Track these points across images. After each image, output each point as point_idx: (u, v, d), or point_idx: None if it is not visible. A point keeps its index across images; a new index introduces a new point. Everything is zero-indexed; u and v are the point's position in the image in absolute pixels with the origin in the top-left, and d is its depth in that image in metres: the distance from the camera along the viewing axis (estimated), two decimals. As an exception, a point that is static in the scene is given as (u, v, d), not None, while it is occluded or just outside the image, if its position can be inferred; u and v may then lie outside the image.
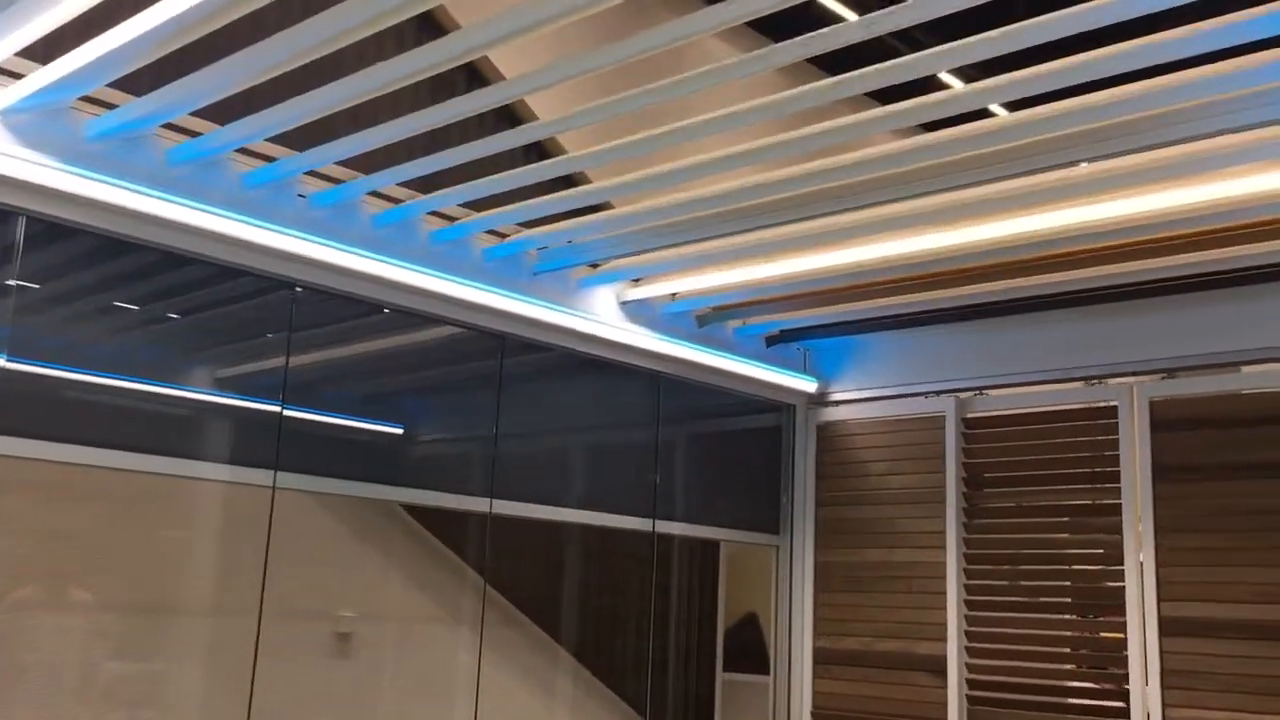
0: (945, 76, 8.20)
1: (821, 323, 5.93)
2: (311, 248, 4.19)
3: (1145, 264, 4.72)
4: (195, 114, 3.77)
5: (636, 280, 5.38)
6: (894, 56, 3.21)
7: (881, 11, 2.89)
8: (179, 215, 3.87)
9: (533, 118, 5.18)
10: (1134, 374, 5.22)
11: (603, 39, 3.20)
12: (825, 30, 3.03)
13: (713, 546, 6.53)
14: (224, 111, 3.83)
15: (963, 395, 5.75)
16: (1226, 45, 3.00)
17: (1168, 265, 4.72)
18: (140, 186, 3.76)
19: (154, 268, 4.06)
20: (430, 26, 5.91)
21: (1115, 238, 4.49)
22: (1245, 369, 4.95)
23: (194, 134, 3.88)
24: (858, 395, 6.16)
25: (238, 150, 4.01)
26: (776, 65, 3.24)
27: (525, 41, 3.10)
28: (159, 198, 3.81)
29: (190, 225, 3.91)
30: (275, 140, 4.00)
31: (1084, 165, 3.98)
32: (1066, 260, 4.82)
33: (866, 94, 3.46)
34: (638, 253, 4.97)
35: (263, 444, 4.24)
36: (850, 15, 8.78)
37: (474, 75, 6.22)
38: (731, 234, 4.67)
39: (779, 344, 6.18)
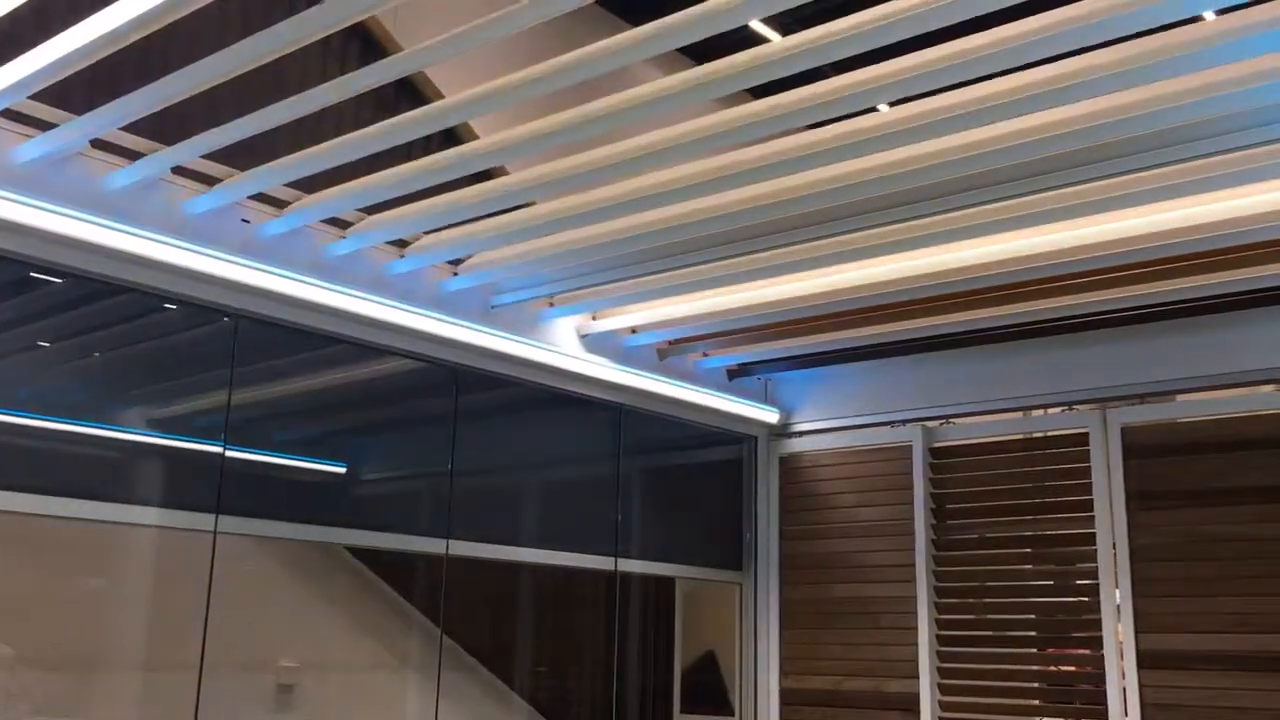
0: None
1: (784, 355, 5.76)
2: (255, 275, 3.94)
3: (1115, 292, 4.61)
4: (127, 131, 3.53)
5: (594, 315, 5.20)
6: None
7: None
8: (110, 240, 3.60)
9: (472, 137, 4.99)
10: (1105, 400, 5.11)
11: (540, 49, 3.05)
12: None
13: (669, 583, 6.32)
14: (160, 133, 3.61)
15: (930, 424, 5.61)
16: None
17: (1139, 293, 4.60)
18: (67, 209, 3.49)
19: (82, 299, 3.78)
20: (371, 47, 5.71)
21: (1084, 265, 4.38)
22: (1220, 393, 4.86)
23: (129, 153, 3.63)
24: (821, 425, 6.00)
25: (176, 173, 3.77)
26: (723, 93, 3.09)
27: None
28: (89, 221, 3.53)
29: (122, 250, 3.64)
30: (216, 159, 3.76)
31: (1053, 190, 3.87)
32: (1033, 290, 4.71)
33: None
34: (595, 285, 4.80)
35: (203, 486, 3.96)
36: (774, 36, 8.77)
37: (415, 95, 6.00)
38: (688, 265, 4.53)
39: (741, 377, 6.01)
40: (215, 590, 3.90)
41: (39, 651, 3.66)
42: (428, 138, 3.57)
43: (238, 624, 4.02)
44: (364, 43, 5.89)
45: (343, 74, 3.09)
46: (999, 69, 2.97)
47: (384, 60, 3.02)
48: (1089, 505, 5.07)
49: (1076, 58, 2.99)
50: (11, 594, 3.57)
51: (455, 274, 4.64)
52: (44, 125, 3.45)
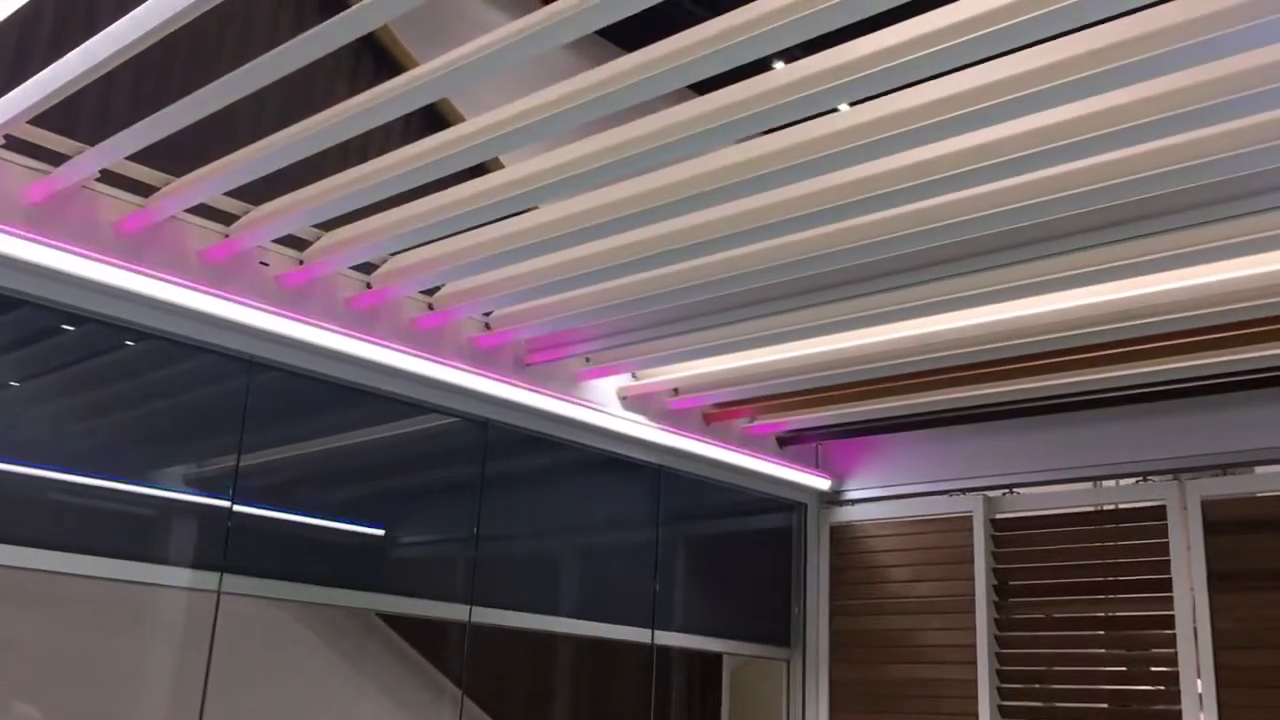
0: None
1: (836, 423, 5.43)
2: (273, 320, 3.73)
3: (1193, 359, 4.26)
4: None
5: (635, 374, 4.94)
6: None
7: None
8: (123, 282, 3.41)
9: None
10: (1183, 470, 4.73)
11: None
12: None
13: (715, 660, 5.96)
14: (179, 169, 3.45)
15: (992, 494, 5.25)
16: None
17: (1220, 360, 4.25)
18: (80, 249, 3.32)
19: (86, 345, 3.59)
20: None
21: (1159, 328, 4.03)
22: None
23: (141, 187, 3.46)
24: (875, 493, 5.65)
25: (191, 212, 3.59)
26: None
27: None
28: (102, 262, 3.35)
29: (135, 293, 3.45)
30: (236, 197, 3.58)
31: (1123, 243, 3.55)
32: (1105, 356, 4.38)
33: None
34: (634, 343, 4.56)
35: (208, 544, 3.72)
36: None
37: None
38: (735, 322, 4.29)
39: (792, 445, 5.69)
40: (217, 652, 3.64)
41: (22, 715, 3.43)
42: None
43: (240, 687, 3.76)
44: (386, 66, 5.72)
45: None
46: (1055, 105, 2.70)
47: (404, 75, 2.80)
48: (1167, 585, 4.66)
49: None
50: None
51: (488, 327, 4.41)
52: (53, 156, 3.29)
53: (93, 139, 3.20)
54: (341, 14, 2.48)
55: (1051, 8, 2.32)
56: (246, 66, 2.69)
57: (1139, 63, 2.50)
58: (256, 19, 5.40)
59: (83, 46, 2.70)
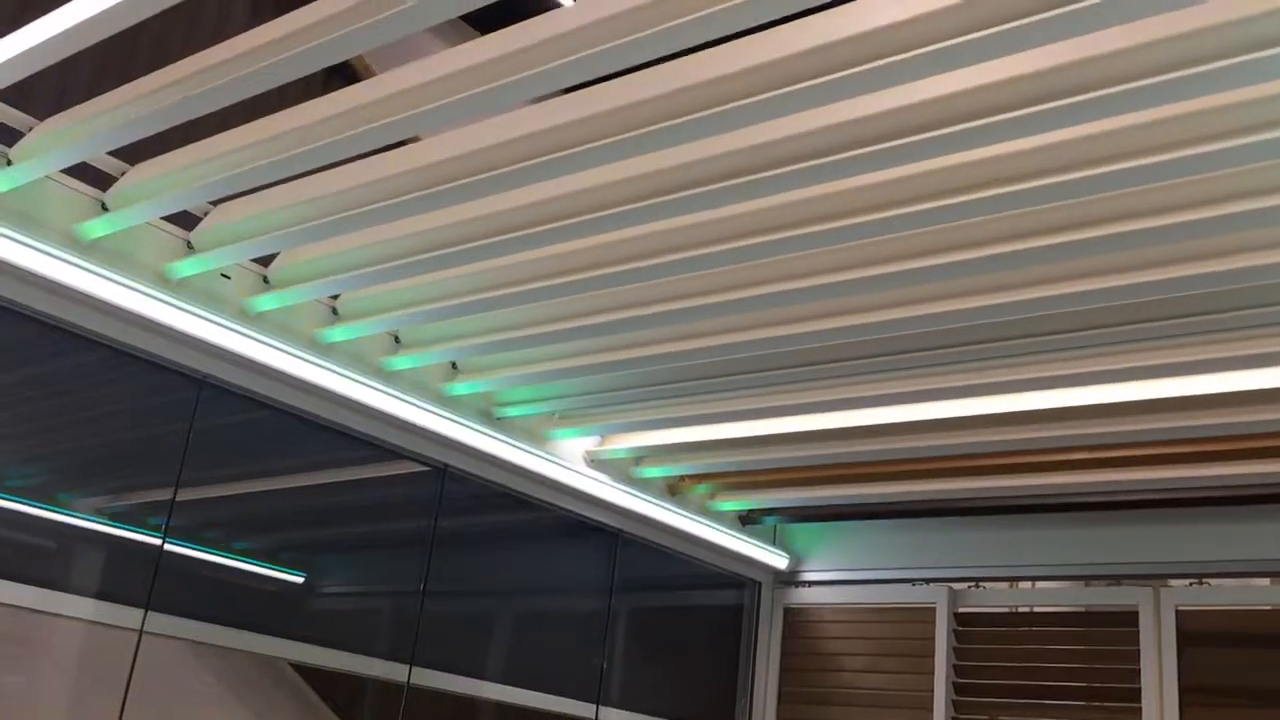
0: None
1: (801, 505, 5.25)
2: (227, 336, 3.42)
3: (1176, 471, 4.17)
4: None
5: (603, 439, 4.72)
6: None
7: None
8: (67, 279, 3.10)
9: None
10: (1160, 577, 4.58)
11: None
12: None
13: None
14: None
15: (957, 586, 5.06)
16: None
17: (1202, 475, 4.15)
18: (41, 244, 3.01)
19: (13, 348, 3.26)
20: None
21: (1145, 436, 3.94)
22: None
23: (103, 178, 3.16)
24: (834, 576, 5.43)
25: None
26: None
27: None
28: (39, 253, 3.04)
29: (78, 292, 3.14)
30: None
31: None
32: (1088, 461, 4.28)
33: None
34: (603, 406, 4.39)
35: (133, 577, 3.38)
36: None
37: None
38: (707, 395, 4.16)
39: (752, 524, 5.47)
40: (133, 695, 3.28)
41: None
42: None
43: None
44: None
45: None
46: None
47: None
48: (1135, 695, 4.49)
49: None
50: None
51: (454, 367, 4.15)
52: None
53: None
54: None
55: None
56: (224, 83, 2.43)
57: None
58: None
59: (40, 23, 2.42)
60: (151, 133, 2.72)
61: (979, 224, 2.82)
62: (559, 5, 2.40)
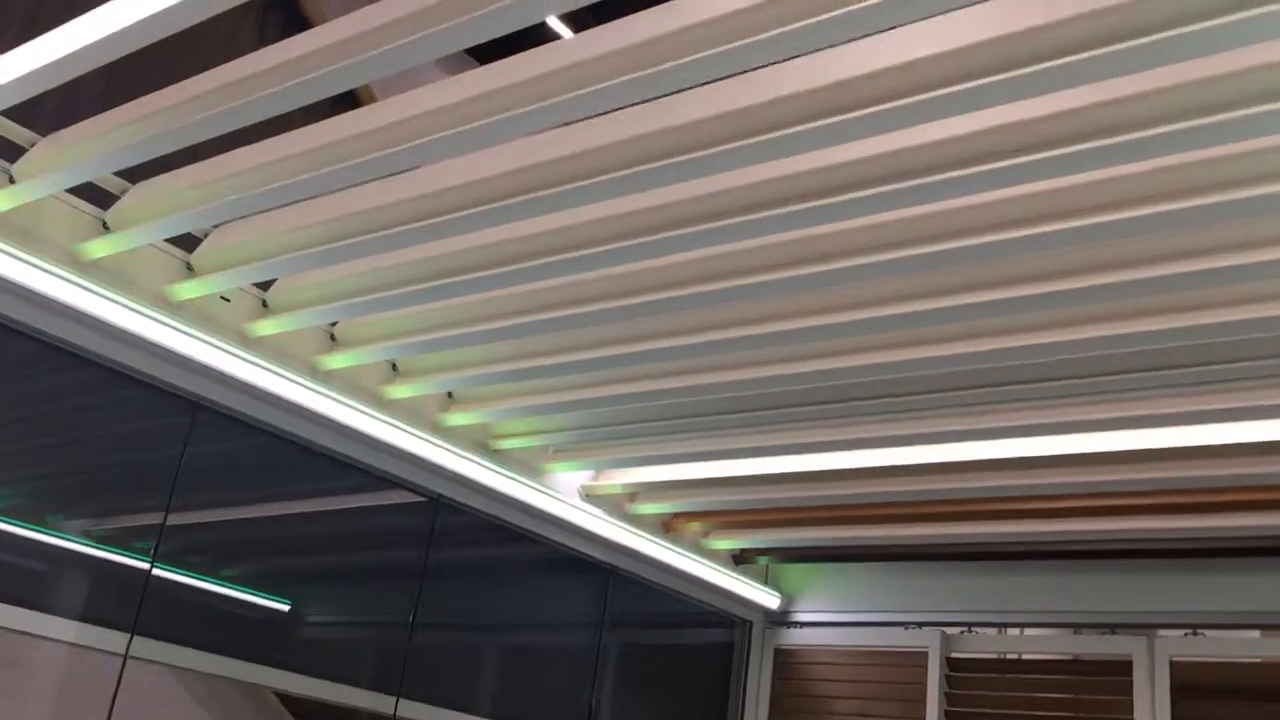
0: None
1: (795, 545, 5.23)
2: (221, 358, 3.40)
3: (1173, 522, 4.16)
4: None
5: (598, 474, 4.70)
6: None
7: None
8: (65, 297, 3.08)
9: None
10: (1154, 626, 4.55)
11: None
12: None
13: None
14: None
15: (950, 630, 5.02)
16: None
17: (1199, 526, 4.14)
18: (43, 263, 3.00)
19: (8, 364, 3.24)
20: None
21: (1142, 486, 3.93)
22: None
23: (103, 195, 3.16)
24: (826, 617, 5.39)
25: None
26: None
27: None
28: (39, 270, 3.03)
29: (76, 311, 3.12)
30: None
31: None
32: (1085, 509, 4.27)
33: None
34: (599, 441, 4.39)
35: (120, 600, 3.34)
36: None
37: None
38: (702, 433, 4.14)
39: (746, 563, 5.44)
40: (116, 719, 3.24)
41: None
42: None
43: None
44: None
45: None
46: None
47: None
48: (1128, 745, 4.45)
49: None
50: None
51: (450, 396, 4.14)
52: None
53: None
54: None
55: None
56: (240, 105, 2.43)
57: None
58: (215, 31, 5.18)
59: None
60: (156, 155, 2.72)
61: (979, 268, 2.83)
62: (559, 37, 2.41)
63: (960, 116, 2.23)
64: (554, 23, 7.50)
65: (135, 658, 3.31)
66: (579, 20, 6.90)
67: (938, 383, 3.46)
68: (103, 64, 2.37)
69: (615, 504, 4.79)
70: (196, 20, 2.16)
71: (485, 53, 2.38)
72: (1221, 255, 2.54)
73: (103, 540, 3.39)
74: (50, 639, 3.19)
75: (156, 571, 3.42)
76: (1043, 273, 2.76)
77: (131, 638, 3.30)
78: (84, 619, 3.26)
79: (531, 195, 2.64)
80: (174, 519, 3.48)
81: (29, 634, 3.15)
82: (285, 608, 3.92)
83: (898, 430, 3.85)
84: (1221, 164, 2.28)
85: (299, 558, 4.14)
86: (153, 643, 3.36)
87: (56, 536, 3.30)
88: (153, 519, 3.45)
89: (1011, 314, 2.97)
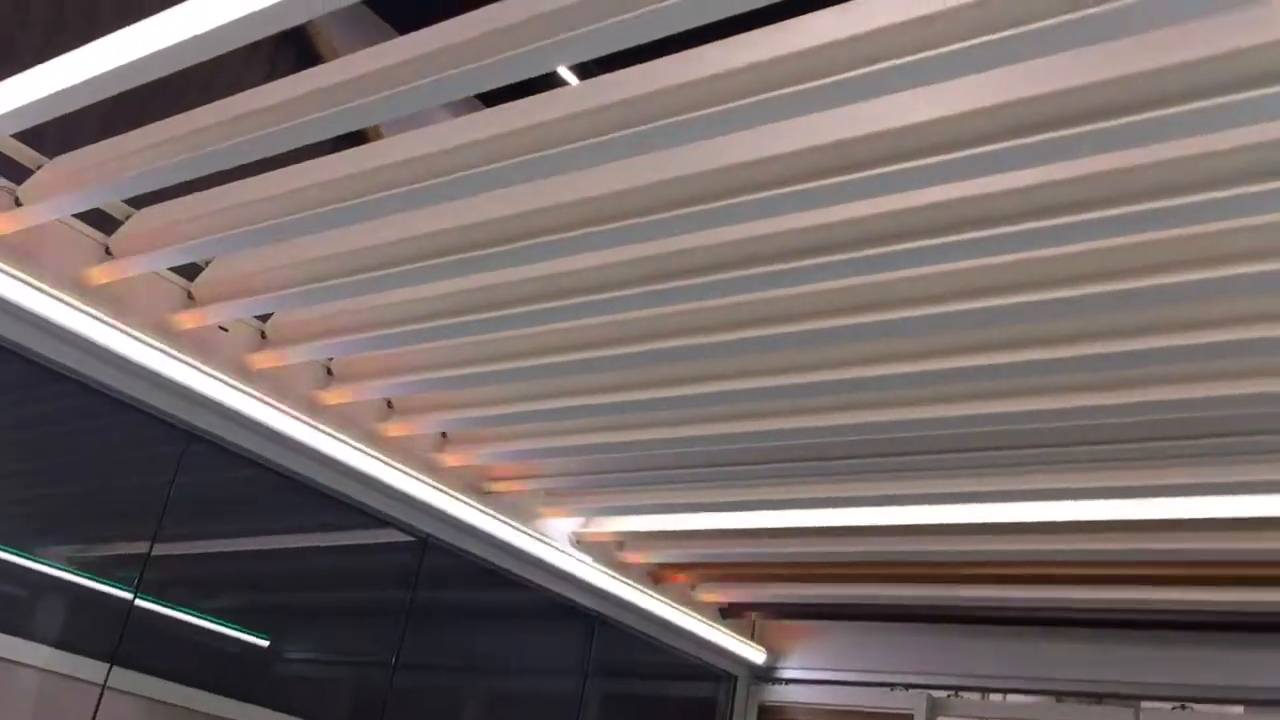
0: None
1: (782, 601, 5.20)
2: (214, 386, 3.39)
3: (1164, 594, 4.16)
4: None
5: (588, 520, 4.68)
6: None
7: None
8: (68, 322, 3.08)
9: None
10: (1139, 698, 4.52)
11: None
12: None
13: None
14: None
15: (937, 694, 4.98)
16: None
17: (1189, 600, 4.14)
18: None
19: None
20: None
21: (1132, 557, 3.94)
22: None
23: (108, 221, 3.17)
24: (812, 675, 5.34)
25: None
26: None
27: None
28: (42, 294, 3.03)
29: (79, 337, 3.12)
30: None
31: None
32: (1074, 578, 4.25)
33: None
34: (591, 489, 4.39)
35: (101, 630, 3.31)
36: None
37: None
38: (696, 485, 4.15)
39: (734, 617, 5.40)
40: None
41: None
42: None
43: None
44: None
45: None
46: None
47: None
48: (1113, 819, 4.40)
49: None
50: None
51: (444, 436, 4.13)
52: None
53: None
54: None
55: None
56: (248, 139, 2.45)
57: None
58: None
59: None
60: (167, 184, 2.73)
61: (977, 332, 2.83)
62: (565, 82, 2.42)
63: (957, 182, 2.25)
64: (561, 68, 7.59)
65: (114, 689, 3.27)
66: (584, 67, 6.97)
67: (930, 444, 3.46)
68: (112, 94, 2.38)
69: (605, 551, 4.77)
70: (206, 58, 2.18)
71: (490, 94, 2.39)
72: (1218, 330, 2.55)
73: (87, 568, 3.36)
74: (28, 665, 3.15)
75: (139, 602, 3.38)
76: (1041, 338, 2.77)
77: (111, 668, 3.27)
78: (63, 647, 3.22)
79: (534, 241, 2.64)
80: (160, 549, 3.45)
81: (6, 659, 3.11)
82: (266, 643, 3.88)
83: (889, 490, 3.84)
84: (1217, 238, 2.30)
85: (284, 593, 4.10)
86: (131, 674, 3.32)
87: (40, 563, 3.27)
88: (138, 548, 3.42)
89: (1007, 379, 2.98)
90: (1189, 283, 2.35)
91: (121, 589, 3.37)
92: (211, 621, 3.71)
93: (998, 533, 4.03)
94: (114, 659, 3.28)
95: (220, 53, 2.16)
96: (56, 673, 3.23)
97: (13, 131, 2.75)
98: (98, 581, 3.38)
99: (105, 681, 3.26)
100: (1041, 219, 2.25)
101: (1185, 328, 2.58)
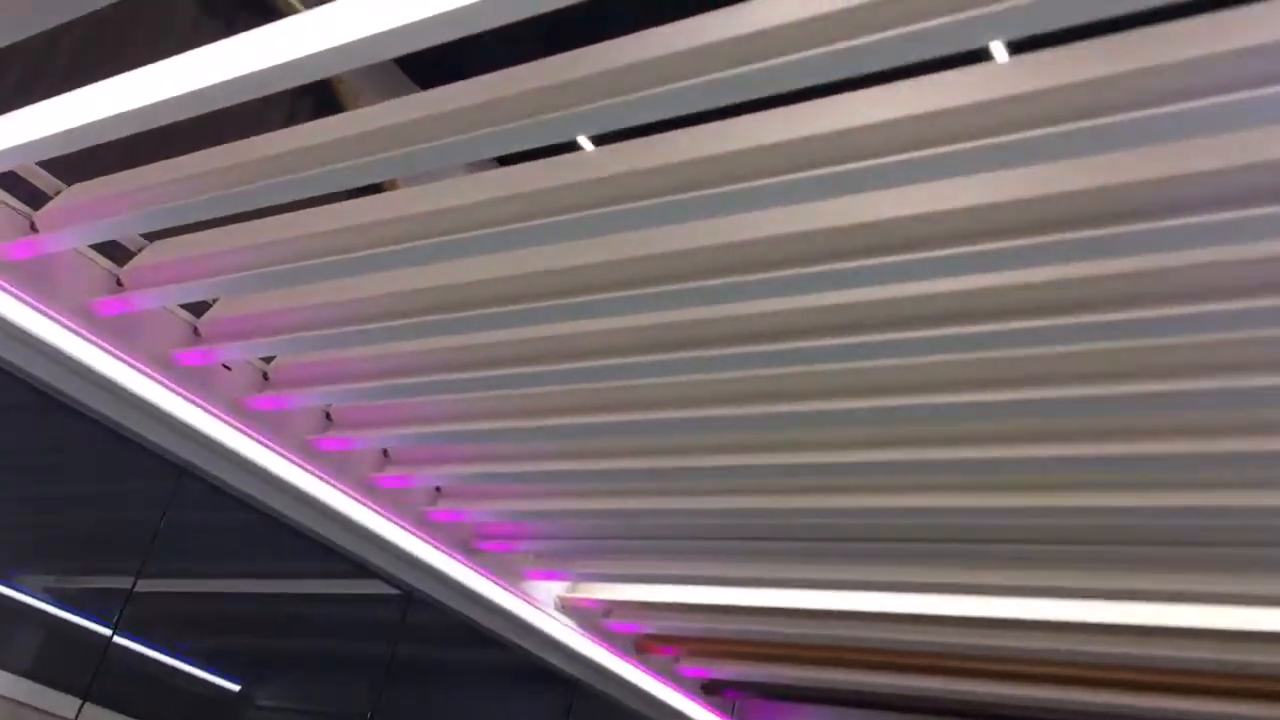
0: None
1: (765, 681, 5.13)
2: (210, 423, 3.37)
3: (1147, 700, 4.11)
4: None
5: (575, 585, 4.64)
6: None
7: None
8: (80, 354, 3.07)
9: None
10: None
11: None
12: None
13: None
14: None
15: (921, 790, 4.89)
16: None
17: (1176, 709, 4.09)
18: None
19: None
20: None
21: (1128, 662, 3.90)
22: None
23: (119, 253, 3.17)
24: (791, 760, 5.26)
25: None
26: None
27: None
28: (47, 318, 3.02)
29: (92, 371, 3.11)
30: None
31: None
32: (1064, 679, 4.22)
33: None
34: (577, 556, 4.37)
35: (76, 664, 3.26)
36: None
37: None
38: (682, 558, 4.15)
39: (715, 695, 5.33)
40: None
41: None
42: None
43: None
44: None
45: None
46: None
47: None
48: None
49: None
50: None
51: (438, 490, 4.11)
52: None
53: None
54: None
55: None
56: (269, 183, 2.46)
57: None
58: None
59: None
60: (186, 221, 2.74)
61: (979, 424, 2.82)
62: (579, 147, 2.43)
63: (973, 275, 2.26)
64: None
65: (84, 725, 3.22)
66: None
67: (921, 532, 3.44)
68: (130, 133, 2.38)
69: (589, 618, 4.72)
70: (231, 103, 2.20)
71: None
72: (1222, 439, 2.55)
73: (67, 599, 3.32)
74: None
75: (118, 639, 3.34)
76: (1043, 434, 2.77)
77: (83, 705, 3.21)
78: (36, 678, 3.17)
79: (541, 304, 2.65)
80: (144, 585, 3.41)
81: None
82: (237, 688, 3.82)
83: (878, 575, 3.82)
84: (1227, 348, 2.30)
85: (263, 638, 4.05)
86: (103, 712, 3.27)
87: (19, 590, 3.23)
88: (122, 583, 3.38)
89: (1005, 473, 2.97)
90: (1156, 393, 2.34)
91: (101, 624, 3.33)
92: (187, 663, 3.66)
93: (987, 626, 3.99)
94: (87, 695, 3.23)
95: (246, 99, 2.17)
96: (27, 704, 3.17)
97: (33, 160, 2.77)
98: (77, 614, 3.34)
99: (77, 717, 3.20)
100: (1053, 317, 2.25)
101: (1188, 434, 2.58)
